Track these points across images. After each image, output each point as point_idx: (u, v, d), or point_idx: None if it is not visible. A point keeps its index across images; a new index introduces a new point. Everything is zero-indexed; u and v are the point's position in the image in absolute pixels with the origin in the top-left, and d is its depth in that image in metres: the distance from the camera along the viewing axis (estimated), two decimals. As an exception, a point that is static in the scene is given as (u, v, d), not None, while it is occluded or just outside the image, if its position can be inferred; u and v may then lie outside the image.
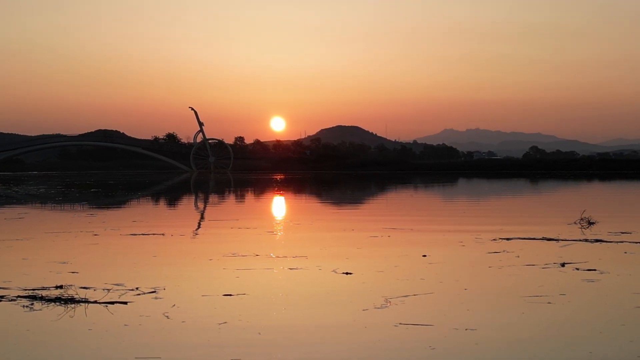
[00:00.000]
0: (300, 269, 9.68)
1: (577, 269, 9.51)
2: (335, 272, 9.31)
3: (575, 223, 16.04)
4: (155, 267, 10.02)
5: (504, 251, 11.37)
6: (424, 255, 10.88)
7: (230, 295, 7.81)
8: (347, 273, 9.24)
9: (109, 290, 8.12)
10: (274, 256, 11.00)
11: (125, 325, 6.51)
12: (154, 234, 14.43)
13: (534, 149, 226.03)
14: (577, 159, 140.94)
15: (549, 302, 7.36)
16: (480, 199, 31.65)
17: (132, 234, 14.48)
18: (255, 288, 8.26)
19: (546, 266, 9.74)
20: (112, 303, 7.43)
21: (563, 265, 9.80)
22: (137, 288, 8.18)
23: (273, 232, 15.02)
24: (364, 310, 7.06)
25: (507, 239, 13.02)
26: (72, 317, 6.84)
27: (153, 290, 8.10)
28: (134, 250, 11.98)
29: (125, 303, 7.43)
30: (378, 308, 7.12)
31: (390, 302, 7.39)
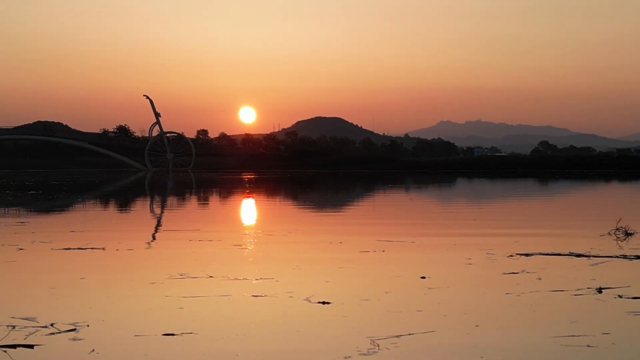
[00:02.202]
0: (266, 296, 8.90)
1: (620, 296, 8.74)
2: (309, 301, 8.52)
3: (609, 234, 15.48)
4: (80, 293, 9.22)
5: (522, 271, 10.63)
6: (423, 277, 10.15)
7: (171, 335, 7.00)
8: (324, 302, 8.44)
9: (14, 327, 7.32)
10: (232, 278, 10.22)
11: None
12: (92, 249, 13.80)
13: (544, 144, 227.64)
14: (593, 156, 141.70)
15: (589, 345, 6.57)
16: (486, 204, 31.45)
17: (65, 249, 13.83)
18: (204, 324, 7.47)
19: (578, 292, 8.96)
20: (14, 347, 6.64)
21: (600, 290, 9.03)
22: (51, 324, 7.39)
23: (239, 245, 14.44)
24: (344, 358, 6.24)
25: (526, 255, 12.35)
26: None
27: (72, 327, 7.31)
28: (59, 271, 11.22)
29: (31, 347, 6.64)
30: (362, 355, 6.31)
31: (378, 345, 6.59)
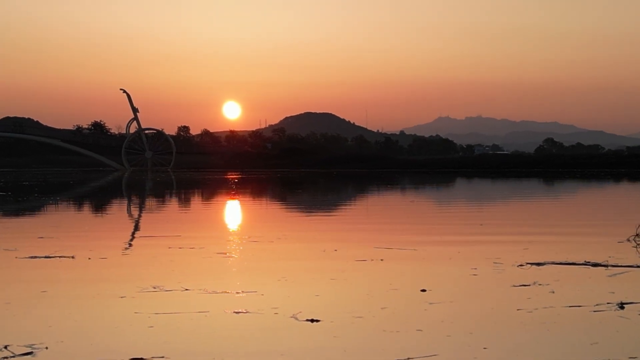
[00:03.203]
0: (248, 312, 8.53)
1: (645, 312, 8.40)
2: (296, 319, 8.15)
3: (627, 241, 15.25)
4: (40, 310, 8.82)
5: (534, 283, 10.28)
6: (423, 290, 9.80)
7: (140, 359, 6.64)
8: (312, 320, 8.08)
9: (-39, 350, 6.95)
10: (210, 291, 9.85)
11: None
12: (61, 257, 13.44)
13: (549, 141, 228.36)
14: (602, 154, 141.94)
15: (615, 372, 6.21)
16: (489, 206, 31.26)
17: (31, 257, 13.47)
18: (177, 346, 7.11)
19: (598, 308, 8.60)
20: (-42, 375, 6.25)
21: (622, 306, 8.68)
22: (5, 347, 7.03)
23: (223, 253, 14.10)
24: (336, 388, 5.89)
25: (537, 265, 12.03)
26: None
27: (28, 350, 6.96)
28: (19, 283, 10.83)
29: (-22, 374, 6.26)
30: (358, 383, 5.96)
31: (375, 372, 6.24)
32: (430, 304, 8.96)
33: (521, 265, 12.05)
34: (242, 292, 9.84)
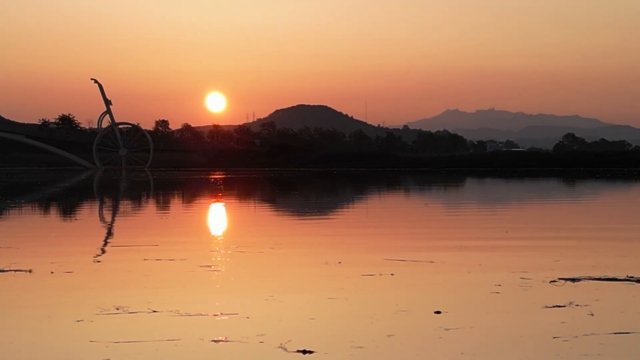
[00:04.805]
0: (228, 341, 8.08)
1: None
2: (285, 350, 7.72)
3: None
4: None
5: (570, 304, 9.82)
6: (438, 312, 9.34)
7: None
8: (304, 351, 7.65)
9: None
10: (183, 314, 9.36)
11: None
12: (17, 271, 13.12)
13: (570, 137, 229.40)
14: (628, 151, 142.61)
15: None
16: (508, 209, 31.16)
17: None
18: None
19: (649, 335, 8.15)
20: None
21: (678, 333, 8.22)
22: None
23: (209, 266, 13.73)
24: None
25: (572, 280, 11.62)
26: None
27: None
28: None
29: None
30: None
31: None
32: (446, 330, 8.50)
33: (553, 281, 11.65)
34: (222, 314, 9.38)
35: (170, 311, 9.49)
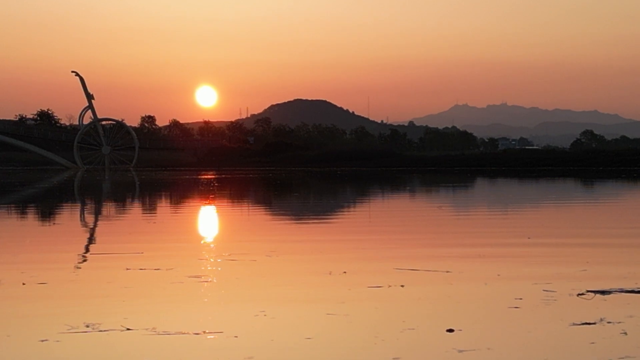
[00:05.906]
0: None
1: None
2: None
3: None
4: None
5: (600, 321, 9.54)
6: (450, 330, 9.07)
7: None
8: None
9: None
10: (161, 332, 9.06)
11: None
12: None
13: (588, 134, 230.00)
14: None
15: None
16: (526, 212, 31.08)
17: None
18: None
19: (693, 358, 7.87)
20: None
21: None
22: None
23: (198, 277, 13.46)
24: None
25: (602, 293, 11.33)
26: None
27: None
28: None
29: None
30: None
31: None
32: (460, 351, 8.25)
33: (581, 293, 11.37)
34: (205, 332, 9.07)
35: (146, 329, 9.18)
